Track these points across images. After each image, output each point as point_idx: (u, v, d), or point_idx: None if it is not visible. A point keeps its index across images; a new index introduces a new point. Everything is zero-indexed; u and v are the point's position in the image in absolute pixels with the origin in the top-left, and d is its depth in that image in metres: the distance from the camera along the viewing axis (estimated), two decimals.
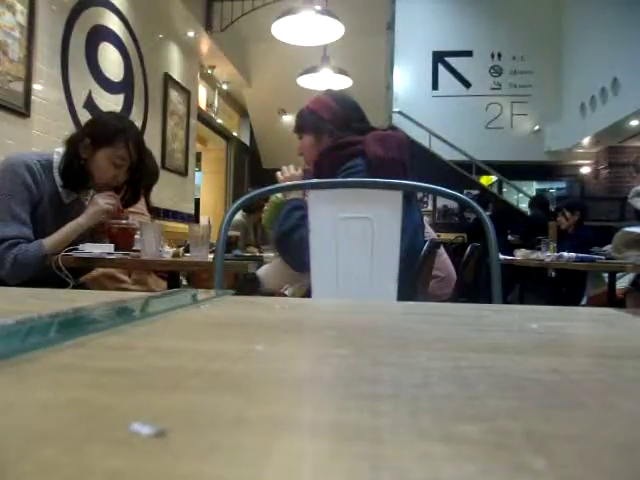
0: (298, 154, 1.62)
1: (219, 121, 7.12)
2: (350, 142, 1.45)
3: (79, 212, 1.65)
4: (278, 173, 1.57)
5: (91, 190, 1.71)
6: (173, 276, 1.75)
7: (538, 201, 5.83)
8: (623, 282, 3.36)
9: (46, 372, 0.21)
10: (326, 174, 1.41)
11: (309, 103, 1.58)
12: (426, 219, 1.92)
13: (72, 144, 1.64)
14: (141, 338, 0.29)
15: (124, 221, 1.73)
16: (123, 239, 1.71)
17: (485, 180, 9.00)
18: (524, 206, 8.51)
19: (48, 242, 1.56)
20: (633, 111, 7.10)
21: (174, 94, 5.24)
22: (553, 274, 3.71)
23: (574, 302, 3.62)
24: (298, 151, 1.61)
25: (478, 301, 2.34)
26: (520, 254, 3.62)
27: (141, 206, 2.10)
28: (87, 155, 1.63)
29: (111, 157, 1.63)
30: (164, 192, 4.82)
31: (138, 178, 1.73)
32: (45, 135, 3.29)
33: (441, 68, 9.93)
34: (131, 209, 1.87)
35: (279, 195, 1.54)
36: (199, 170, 7.27)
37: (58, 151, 1.65)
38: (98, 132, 1.65)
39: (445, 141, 8.74)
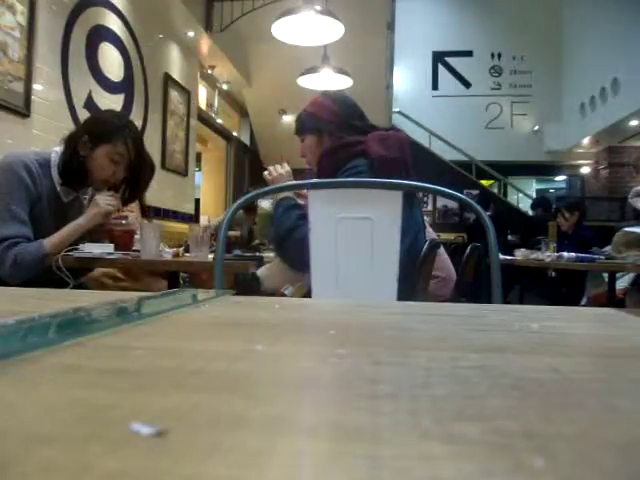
0: (300, 156, 1.61)
1: (219, 121, 7.11)
2: (351, 143, 1.45)
3: (78, 211, 1.64)
4: (265, 173, 1.56)
5: (90, 188, 1.71)
6: (173, 276, 1.75)
7: (541, 202, 5.86)
8: (623, 282, 3.36)
9: (46, 372, 0.21)
10: (328, 175, 1.40)
11: (307, 106, 1.58)
12: (426, 219, 1.92)
13: (71, 141, 1.64)
14: (141, 338, 0.29)
15: (124, 221, 1.73)
16: (123, 239, 1.71)
17: (486, 182, 9.01)
18: (523, 206, 8.51)
19: (48, 243, 1.56)
20: (633, 111, 7.11)
21: (174, 94, 5.23)
22: (553, 274, 3.71)
23: (574, 302, 3.62)
24: (300, 153, 1.61)
25: (478, 301, 2.33)
26: (520, 254, 3.61)
27: (133, 204, 2.10)
28: (86, 152, 1.63)
29: (109, 154, 1.63)
30: (164, 192, 4.82)
31: (137, 176, 1.73)
32: (45, 135, 3.28)
33: (441, 68, 9.94)
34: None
35: (264, 206, 1.53)
36: (199, 170, 7.26)
37: (56, 150, 1.65)
38: (96, 129, 1.65)
39: (445, 141, 8.74)
